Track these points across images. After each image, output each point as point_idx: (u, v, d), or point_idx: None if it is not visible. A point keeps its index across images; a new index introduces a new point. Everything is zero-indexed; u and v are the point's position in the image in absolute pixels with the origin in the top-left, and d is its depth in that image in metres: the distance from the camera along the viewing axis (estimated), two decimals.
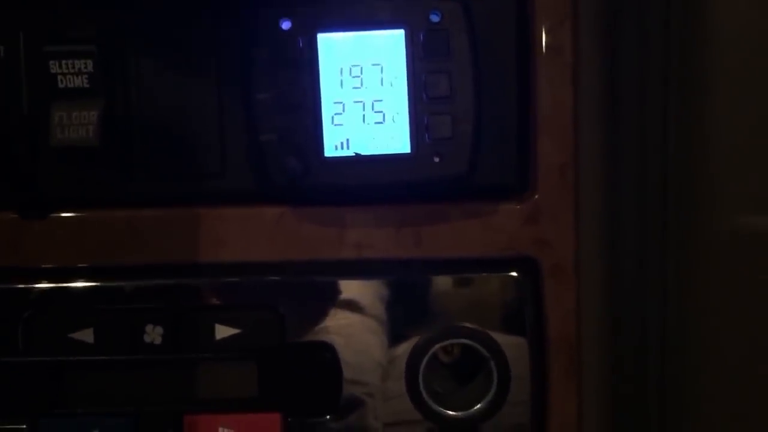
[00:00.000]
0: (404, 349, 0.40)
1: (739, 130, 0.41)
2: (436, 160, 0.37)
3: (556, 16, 0.38)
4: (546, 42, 0.38)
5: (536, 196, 0.39)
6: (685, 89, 0.41)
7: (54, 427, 0.40)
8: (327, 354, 0.40)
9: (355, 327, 0.40)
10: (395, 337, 0.40)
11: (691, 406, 0.42)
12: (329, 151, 0.37)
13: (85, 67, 0.38)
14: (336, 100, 0.37)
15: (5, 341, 0.40)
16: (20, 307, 0.40)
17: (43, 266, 0.40)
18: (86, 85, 0.38)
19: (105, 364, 0.40)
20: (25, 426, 0.40)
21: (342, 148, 0.38)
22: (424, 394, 0.40)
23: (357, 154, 0.37)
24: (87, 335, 0.40)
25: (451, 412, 0.40)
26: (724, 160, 0.41)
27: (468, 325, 0.39)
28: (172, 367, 0.40)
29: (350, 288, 0.40)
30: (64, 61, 0.38)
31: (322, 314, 0.40)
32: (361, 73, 0.37)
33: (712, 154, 0.41)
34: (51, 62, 0.38)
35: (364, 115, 0.37)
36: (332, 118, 0.37)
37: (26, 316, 0.40)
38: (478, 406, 0.40)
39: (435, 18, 0.37)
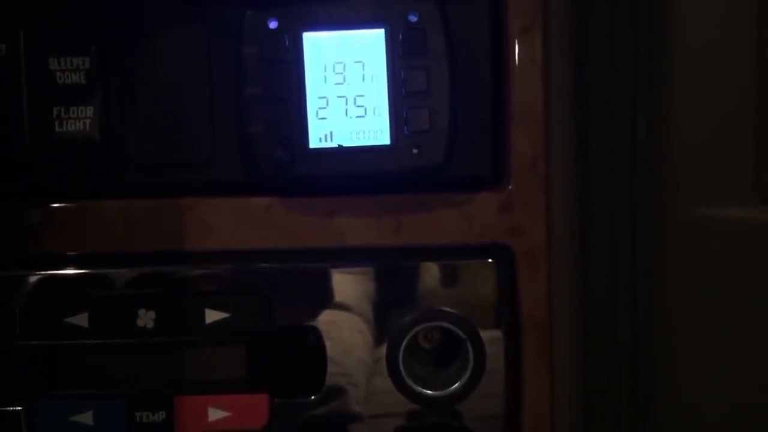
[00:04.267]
0: (385, 331, 0.42)
1: (705, 124, 0.43)
2: (415, 151, 0.39)
3: (527, 16, 0.41)
4: (518, 41, 0.41)
5: (510, 187, 0.42)
6: (652, 84, 0.43)
7: (49, 409, 0.42)
8: (312, 337, 0.42)
9: (338, 311, 0.42)
10: (376, 320, 0.42)
11: (662, 386, 0.44)
12: (314, 143, 0.40)
13: (83, 65, 0.40)
14: (320, 95, 0.40)
15: (3, 326, 0.41)
16: (18, 292, 0.41)
17: (41, 254, 0.42)
18: (83, 81, 0.40)
19: (99, 348, 0.41)
20: (21, 408, 0.41)
21: (326, 140, 0.40)
22: (404, 374, 0.41)
23: (340, 146, 0.40)
24: (82, 320, 0.41)
25: (429, 391, 0.42)
26: (691, 154, 0.43)
27: (445, 308, 0.42)
28: (164, 350, 0.41)
29: (334, 274, 0.42)
30: (62, 59, 0.40)
31: (308, 299, 0.42)
32: (344, 69, 0.39)
33: (679, 148, 0.43)
34: (50, 59, 0.40)
35: (346, 109, 0.40)
36: (317, 111, 0.40)
37: (24, 302, 0.41)
38: (456, 385, 0.42)
39: (413, 18, 0.39)
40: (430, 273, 0.42)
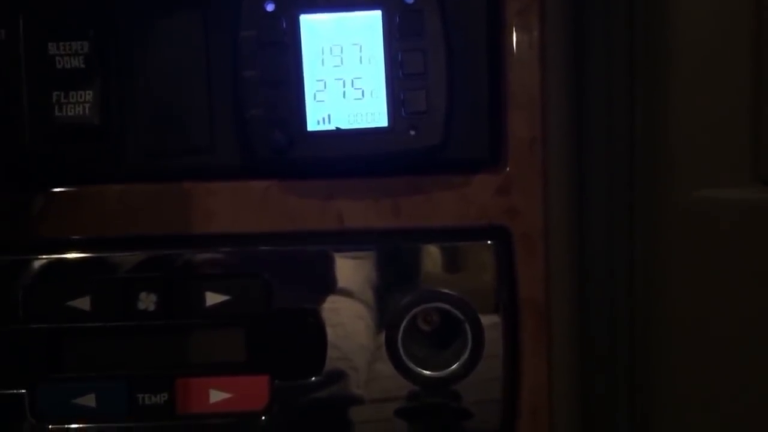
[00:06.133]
0: (384, 312, 0.42)
1: (702, 106, 0.43)
2: (412, 133, 0.40)
3: None
4: (515, 23, 0.41)
5: (507, 169, 0.42)
6: (650, 67, 0.43)
7: (52, 392, 0.42)
8: (311, 319, 0.42)
9: (337, 293, 0.42)
10: (375, 302, 0.42)
11: (659, 368, 0.44)
12: (312, 126, 0.40)
13: (82, 49, 0.40)
14: (318, 78, 0.40)
15: (6, 310, 0.42)
16: (20, 277, 0.42)
17: (43, 238, 0.42)
18: (82, 66, 0.40)
19: (101, 331, 0.42)
20: (24, 390, 0.42)
21: (324, 122, 0.40)
22: (403, 355, 0.42)
23: (338, 128, 0.40)
24: (84, 303, 0.42)
25: (427, 372, 0.42)
26: (688, 135, 0.43)
27: (443, 290, 0.42)
28: (165, 333, 0.42)
29: (333, 256, 0.42)
30: (61, 43, 0.40)
31: (307, 282, 0.42)
32: (341, 52, 0.40)
33: (676, 129, 0.43)
34: (49, 44, 0.40)
35: (344, 92, 0.40)
36: (314, 94, 0.40)
37: (26, 286, 0.42)
38: (454, 366, 0.42)
39: (410, 0, 0.39)
40: (429, 255, 0.42)
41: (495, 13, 0.41)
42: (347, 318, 0.42)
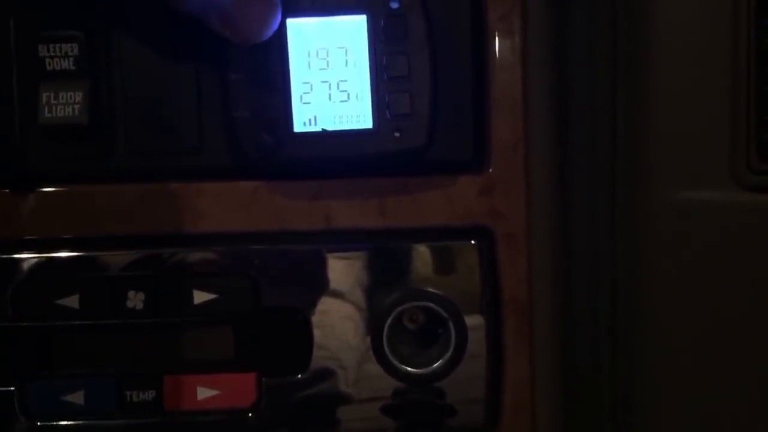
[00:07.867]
0: (370, 310, 0.43)
1: (682, 109, 0.44)
2: (397, 134, 0.40)
3: (507, 2, 0.42)
4: (497, 27, 0.42)
5: (491, 171, 0.43)
6: (631, 70, 0.44)
7: (41, 389, 0.43)
8: (298, 317, 0.43)
9: (324, 291, 0.43)
10: (361, 300, 0.43)
11: (642, 367, 0.45)
12: (298, 127, 0.40)
13: (72, 51, 0.41)
14: (304, 80, 0.40)
15: None
16: (10, 275, 0.42)
17: (32, 237, 0.42)
18: (72, 68, 0.41)
19: (90, 329, 0.42)
20: (13, 388, 0.42)
21: (310, 124, 0.40)
22: (388, 353, 0.43)
23: (324, 130, 0.40)
24: (73, 301, 0.42)
25: (411, 369, 0.43)
26: (668, 138, 0.44)
27: (427, 288, 0.43)
28: (153, 331, 0.42)
29: (320, 256, 0.43)
30: (51, 45, 0.41)
31: (294, 280, 0.43)
32: (327, 55, 0.40)
33: (657, 132, 0.44)
34: (39, 46, 0.41)
35: (330, 94, 0.40)
36: (301, 96, 0.40)
37: (15, 284, 0.42)
38: (438, 363, 0.43)
39: (394, 5, 0.40)
40: (413, 254, 0.43)
41: (478, 18, 0.42)
42: (334, 316, 0.43)
